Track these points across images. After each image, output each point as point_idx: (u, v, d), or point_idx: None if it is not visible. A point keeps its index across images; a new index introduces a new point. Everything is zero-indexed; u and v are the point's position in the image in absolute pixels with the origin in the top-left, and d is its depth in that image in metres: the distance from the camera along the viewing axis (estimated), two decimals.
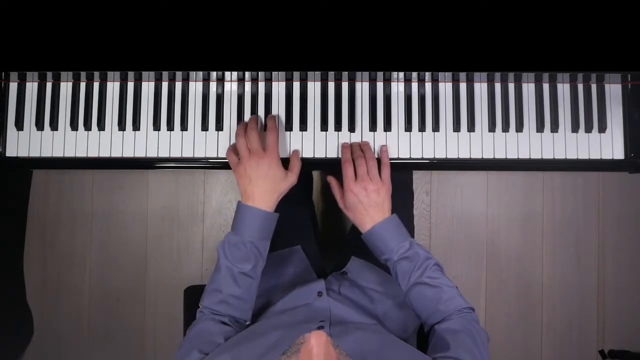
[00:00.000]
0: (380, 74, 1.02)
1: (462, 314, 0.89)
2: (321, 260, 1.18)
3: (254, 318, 0.97)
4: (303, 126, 1.02)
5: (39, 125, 1.02)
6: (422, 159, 1.03)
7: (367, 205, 0.94)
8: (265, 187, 0.92)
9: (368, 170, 0.96)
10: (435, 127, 1.03)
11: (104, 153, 1.02)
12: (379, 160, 0.99)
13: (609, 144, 1.03)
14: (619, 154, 1.03)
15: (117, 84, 1.03)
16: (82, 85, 1.03)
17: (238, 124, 1.02)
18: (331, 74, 1.02)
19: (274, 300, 1.00)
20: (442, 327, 0.87)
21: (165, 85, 1.03)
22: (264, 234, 0.93)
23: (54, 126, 1.02)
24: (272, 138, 0.95)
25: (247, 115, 1.02)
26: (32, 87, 1.03)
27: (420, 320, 0.93)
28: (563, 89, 1.04)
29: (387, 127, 1.02)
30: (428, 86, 1.03)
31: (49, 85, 1.03)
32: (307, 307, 0.95)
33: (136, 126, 1.02)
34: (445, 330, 0.86)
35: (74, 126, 1.02)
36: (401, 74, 1.02)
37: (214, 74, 1.02)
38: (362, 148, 1.00)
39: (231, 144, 1.02)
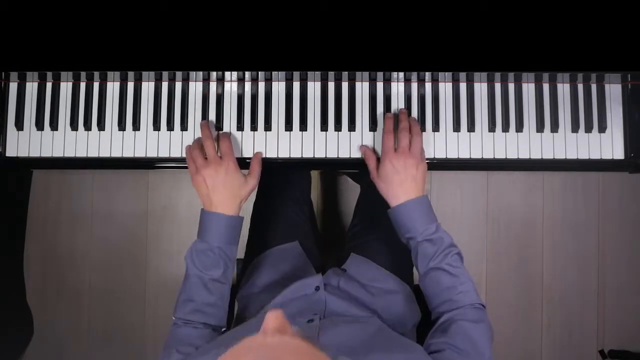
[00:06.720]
0: (380, 74, 1.01)
1: (477, 308, 0.87)
2: (320, 259, 1.17)
3: (256, 312, 0.96)
4: (303, 126, 1.02)
5: (39, 125, 1.02)
6: None
7: (404, 178, 0.92)
8: (225, 193, 0.92)
9: (411, 145, 0.94)
10: (435, 127, 1.03)
11: (104, 153, 1.02)
12: None
13: (609, 144, 1.03)
14: (619, 154, 1.03)
15: (117, 84, 1.03)
16: (82, 85, 1.03)
17: (238, 123, 1.02)
18: (331, 74, 1.02)
19: (274, 295, 0.99)
20: (452, 314, 0.85)
21: (165, 85, 1.03)
22: (231, 239, 0.92)
23: (54, 126, 1.02)
24: (225, 144, 0.95)
25: (247, 115, 1.02)
26: (32, 87, 1.03)
27: (429, 306, 0.91)
28: (563, 89, 1.04)
29: None
30: (428, 86, 1.03)
31: (49, 85, 1.03)
32: (305, 298, 0.94)
33: (136, 126, 1.02)
34: (453, 317, 0.85)
35: (74, 126, 1.02)
36: (401, 74, 1.02)
37: (214, 74, 1.02)
38: (410, 121, 0.97)
39: (187, 146, 1.00)
